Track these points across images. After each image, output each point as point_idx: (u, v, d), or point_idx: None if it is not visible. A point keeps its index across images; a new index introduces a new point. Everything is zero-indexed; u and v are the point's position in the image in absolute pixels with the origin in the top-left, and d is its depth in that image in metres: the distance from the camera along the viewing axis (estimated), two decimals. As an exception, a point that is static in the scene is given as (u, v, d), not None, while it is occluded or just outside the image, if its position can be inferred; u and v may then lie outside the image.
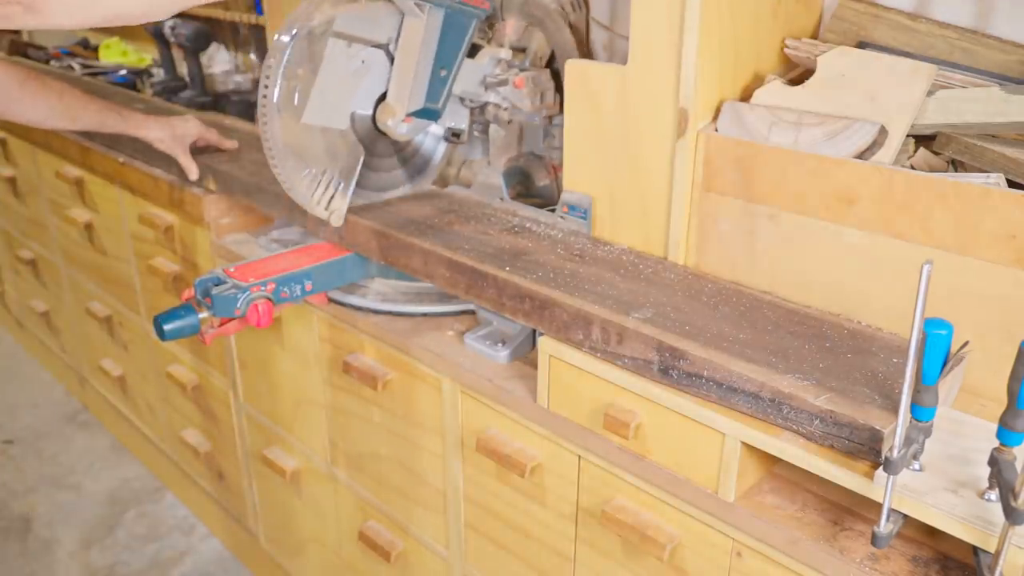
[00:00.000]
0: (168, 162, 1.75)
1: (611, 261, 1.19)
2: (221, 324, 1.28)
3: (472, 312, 1.36)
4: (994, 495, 0.78)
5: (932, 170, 1.07)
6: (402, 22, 1.26)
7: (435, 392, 1.30)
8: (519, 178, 1.50)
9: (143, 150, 1.79)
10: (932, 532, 0.86)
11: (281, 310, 1.38)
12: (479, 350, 1.25)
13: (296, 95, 1.22)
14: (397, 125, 1.30)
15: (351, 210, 1.35)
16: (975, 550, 0.77)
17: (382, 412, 1.43)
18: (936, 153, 1.09)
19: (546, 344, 1.09)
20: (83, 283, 2.45)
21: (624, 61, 1.16)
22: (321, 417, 1.59)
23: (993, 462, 0.76)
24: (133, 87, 2.57)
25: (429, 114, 1.31)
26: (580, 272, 1.15)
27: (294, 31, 1.18)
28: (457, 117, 1.40)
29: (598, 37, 1.62)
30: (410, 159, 1.48)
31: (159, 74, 2.56)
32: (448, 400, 1.28)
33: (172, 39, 2.30)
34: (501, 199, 1.43)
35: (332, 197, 1.30)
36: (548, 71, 1.44)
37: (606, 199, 1.25)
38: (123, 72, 2.65)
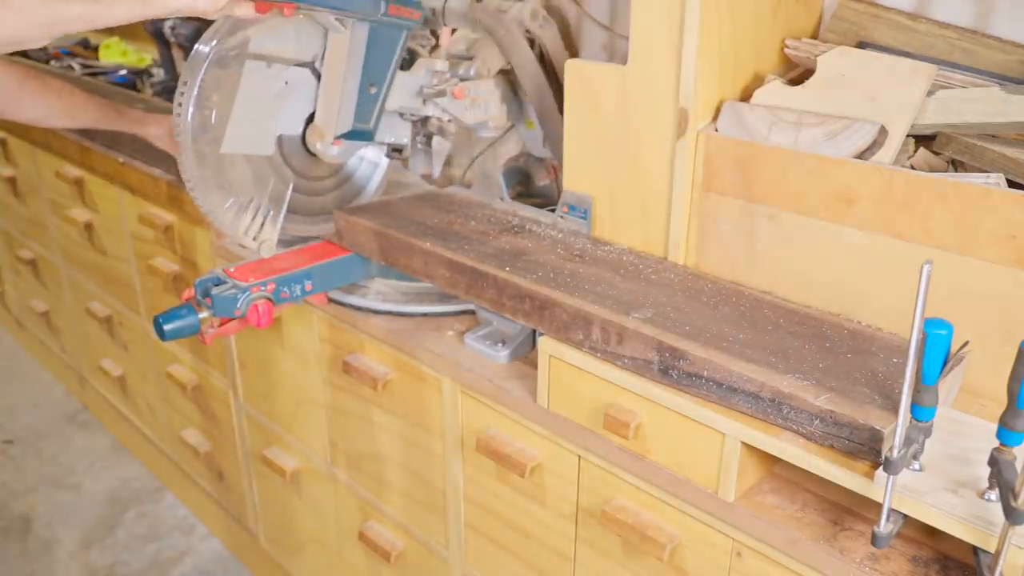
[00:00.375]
0: (168, 162, 1.75)
1: (611, 261, 1.19)
2: (221, 324, 1.28)
3: (472, 312, 1.36)
4: (994, 495, 0.78)
5: (932, 170, 1.07)
6: (326, 38, 1.20)
7: (435, 392, 1.30)
8: (519, 178, 1.50)
9: (143, 150, 1.79)
10: (932, 532, 0.86)
11: (281, 310, 1.38)
12: (479, 350, 1.25)
13: (212, 120, 1.15)
14: (327, 148, 1.25)
15: (350, 210, 1.35)
16: (975, 550, 0.77)
17: (382, 412, 1.43)
18: (936, 153, 1.09)
19: (546, 344, 1.09)
20: (83, 283, 2.45)
21: (624, 61, 1.16)
22: (321, 417, 1.59)
23: (993, 462, 0.76)
24: (133, 87, 2.57)
25: (360, 135, 1.26)
26: (580, 272, 1.15)
27: (206, 53, 1.12)
28: (397, 132, 1.35)
29: (598, 37, 1.62)
30: (345, 182, 1.42)
31: (159, 74, 2.56)
32: (448, 400, 1.28)
33: (172, 39, 2.30)
34: (501, 199, 1.43)
35: (262, 226, 1.25)
36: (491, 81, 1.38)
37: (606, 199, 1.25)
38: (123, 72, 2.65)
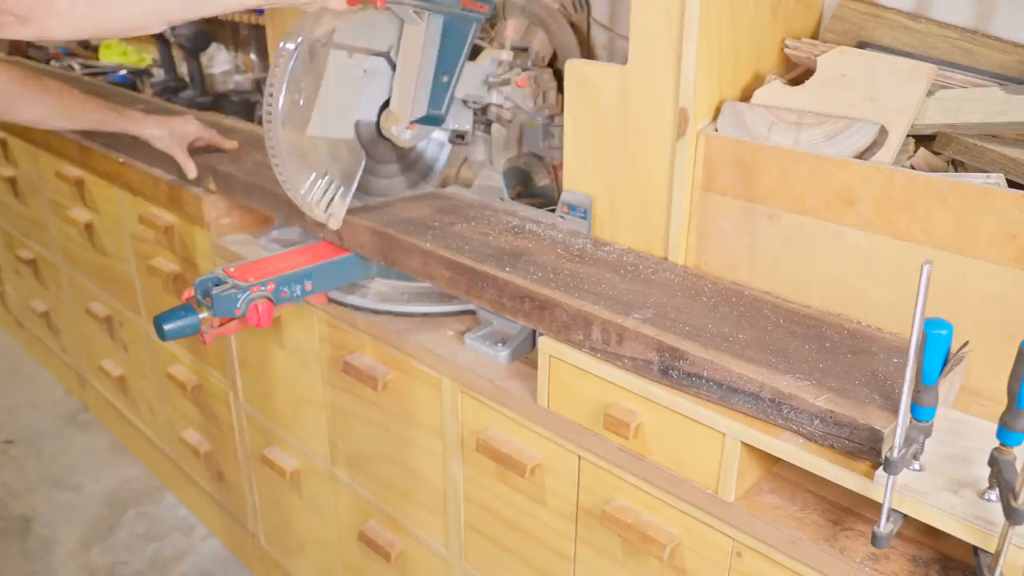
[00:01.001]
0: (168, 162, 1.75)
1: (611, 261, 1.19)
2: (221, 324, 1.28)
3: (472, 312, 1.36)
4: (994, 495, 0.78)
5: (932, 170, 1.07)
6: (402, 29, 1.26)
7: (435, 392, 1.30)
8: (519, 178, 1.50)
9: (143, 150, 1.79)
10: (932, 532, 0.86)
11: (281, 310, 1.38)
12: (479, 350, 1.25)
13: (300, 107, 1.22)
14: (401, 132, 1.31)
15: (350, 211, 1.35)
16: (975, 550, 0.77)
17: (382, 412, 1.43)
18: (936, 153, 1.09)
19: (546, 344, 1.09)
20: (83, 283, 2.45)
21: (624, 61, 1.16)
22: (321, 417, 1.59)
23: (993, 462, 0.76)
24: (133, 87, 2.57)
25: (432, 120, 1.32)
26: (580, 272, 1.15)
27: (298, 40, 1.18)
28: (461, 119, 1.41)
29: (598, 37, 1.62)
30: (414, 164, 1.48)
31: (159, 74, 2.56)
32: (448, 400, 1.28)
33: (172, 39, 2.30)
34: (501, 199, 1.43)
35: (332, 200, 1.31)
36: (550, 70, 1.44)
37: (606, 199, 1.25)
38: (123, 72, 2.65)
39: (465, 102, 1.39)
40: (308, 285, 1.33)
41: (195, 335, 1.27)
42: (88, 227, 2.25)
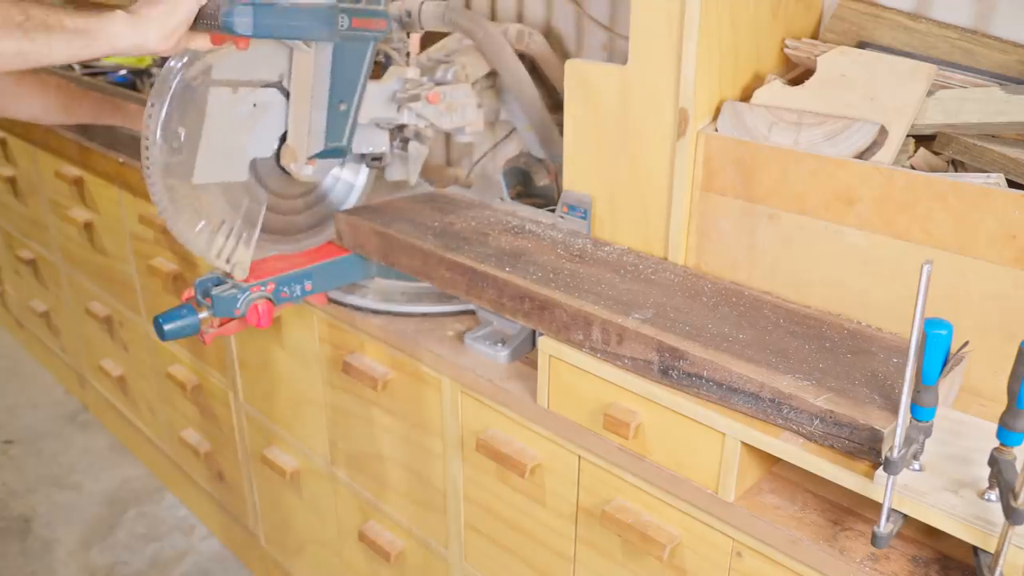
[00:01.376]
0: None
1: (611, 261, 1.19)
2: (221, 324, 1.28)
3: (472, 312, 1.36)
4: (994, 495, 0.78)
5: (932, 170, 1.07)
6: (292, 56, 1.17)
7: (435, 392, 1.30)
8: (519, 178, 1.50)
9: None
10: (932, 532, 0.86)
11: (281, 310, 1.38)
12: (479, 350, 1.25)
13: (182, 155, 1.13)
14: (301, 169, 1.23)
15: (351, 211, 1.35)
16: (975, 550, 0.77)
17: (382, 412, 1.43)
18: (936, 153, 1.09)
19: (546, 344, 1.09)
20: (83, 283, 2.45)
21: (624, 61, 1.16)
22: (321, 417, 1.59)
23: (993, 462, 0.76)
24: (133, 87, 2.57)
25: (334, 153, 1.23)
26: (580, 272, 1.15)
27: (168, 85, 1.09)
28: (374, 141, 1.32)
29: (598, 37, 1.62)
30: (325, 196, 1.40)
31: (159, 74, 2.55)
32: (448, 400, 1.28)
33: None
34: (501, 199, 1.43)
35: (235, 248, 1.23)
36: (467, 86, 1.36)
37: (606, 199, 1.25)
38: (123, 72, 2.65)
39: (378, 124, 1.31)
40: (308, 285, 1.33)
41: (195, 335, 1.27)
42: (88, 227, 2.25)
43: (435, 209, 1.40)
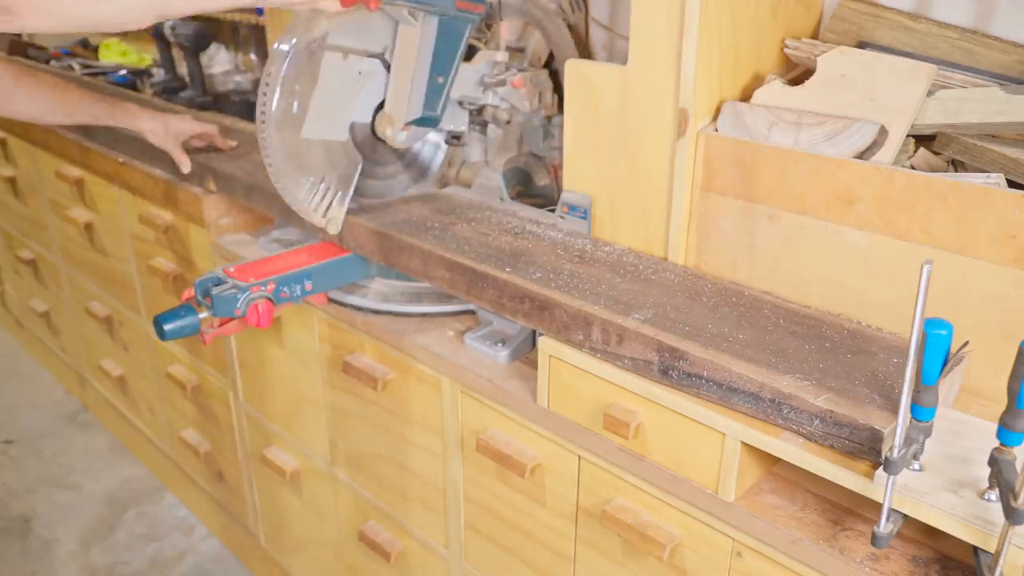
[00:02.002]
0: (165, 159, 1.75)
1: (611, 261, 1.19)
2: (221, 324, 1.28)
3: (472, 312, 1.36)
4: (994, 495, 0.78)
5: (932, 170, 1.07)
6: (396, 31, 1.26)
7: (435, 392, 1.30)
8: (519, 178, 1.50)
9: (143, 150, 1.79)
10: (932, 532, 0.86)
11: (281, 310, 1.38)
12: (479, 350, 1.25)
13: (295, 108, 1.21)
14: (396, 134, 1.30)
15: (351, 211, 1.35)
16: (975, 550, 0.77)
17: (382, 412, 1.43)
18: (936, 153, 1.09)
19: (546, 344, 1.09)
20: (83, 283, 2.45)
21: (624, 61, 1.16)
22: (321, 417, 1.59)
23: (993, 462, 0.76)
24: (133, 87, 2.57)
25: (428, 122, 1.31)
26: (580, 273, 1.15)
27: (292, 42, 1.17)
28: (456, 120, 1.40)
29: (598, 37, 1.62)
30: (410, 165, 1.48)
31: (159, 74, 2.55)
32: (448, 400, 1.28)
33: (172, 39, 2.30)
34: (501, 199, 1.43)
35: (330, 204, 1.30)
36: (546, 71, 1.43)
37: (606, 199, 1.25)
38: (123, 72, 2.65)
39: (461, 103, 1.38)
40: (308, 285, 1.33)
41: (195, 335, 1.27)
42: (88, 227, 2.25)
43: (435, 209, 1.40)
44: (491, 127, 1.47)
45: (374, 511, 1.56)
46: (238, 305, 1.24)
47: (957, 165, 1.07)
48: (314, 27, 1.19)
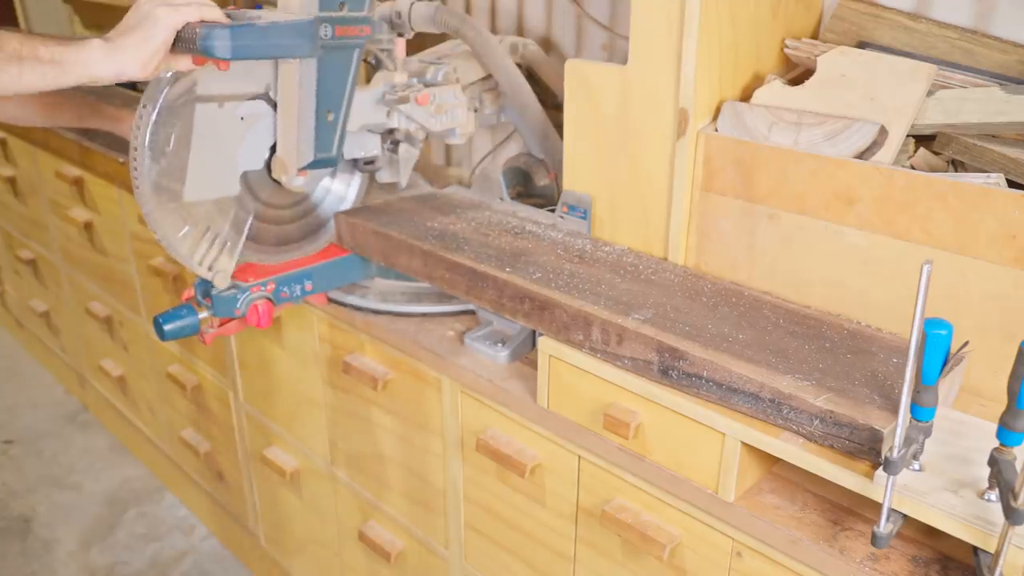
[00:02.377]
0: None
1: (611, 261, 1.19)
2: (221, 324, 1.28)
3: (472, 312, 1.36)
4: (994, 495, 0.78)
5: (932, 170, 1.07)
6: (276, 66, 1.16)
7: (435, 392, 1.30)
8: (519, 178, 1.49)
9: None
10: (932, 532, 0.86)
11: (281, 310, 1.38)
12: (479, 350, 1.25)
13: (172, 175, 1.13)
14: (292, 180, 1.22)
15: (351, 212, 1.35)
16: (975, 550, 0.77)
17: (382, 412, 1.43)
18: (936, 153, 1.09)
19: (546, 344, 1.09)
20: (83, 283, 2.45)
21: (624, 61, 1.16)
22: (321, 417, 1.59)
23: (993, 462, 0.76)
24: (133, 87, 2.57)
25: (324, 163, 1.22)
26: (580, 273, 1.15)
27: (158, 102, 1.08)
28: (366, 146, 1.31)
29: (598, 37, 1.62)
30: (316, 207, 1.38)
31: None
32: (448, 400, 1.28)
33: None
34: (501, 199, 1.43)
35: (218, 256, 1.22)
36: (457, 87, 1.35)
37: (606, 199, 1.25)
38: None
39: (369, 130, 1.30)
40: (308, 285, 1.33)
41: (195, 335, 1.27)
42: (88, 227, 2.25)
43: (435, 209, 1.40)
44: (403, 146, 1.35)
45: (374, 511, 1.56)
46: (238, 305, 1.24)
47: (957, 165, 1.07)
48: (176, 82, 1.09)
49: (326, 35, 1.10)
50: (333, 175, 1.39)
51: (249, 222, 1.25)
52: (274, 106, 1.19)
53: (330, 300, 1.43)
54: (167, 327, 1.24)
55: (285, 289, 1.30)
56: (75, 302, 2.55)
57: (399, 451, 1.43)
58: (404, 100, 1.26)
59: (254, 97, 1.18)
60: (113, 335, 2.38)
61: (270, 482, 1.85)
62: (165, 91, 1.09)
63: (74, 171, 2.20)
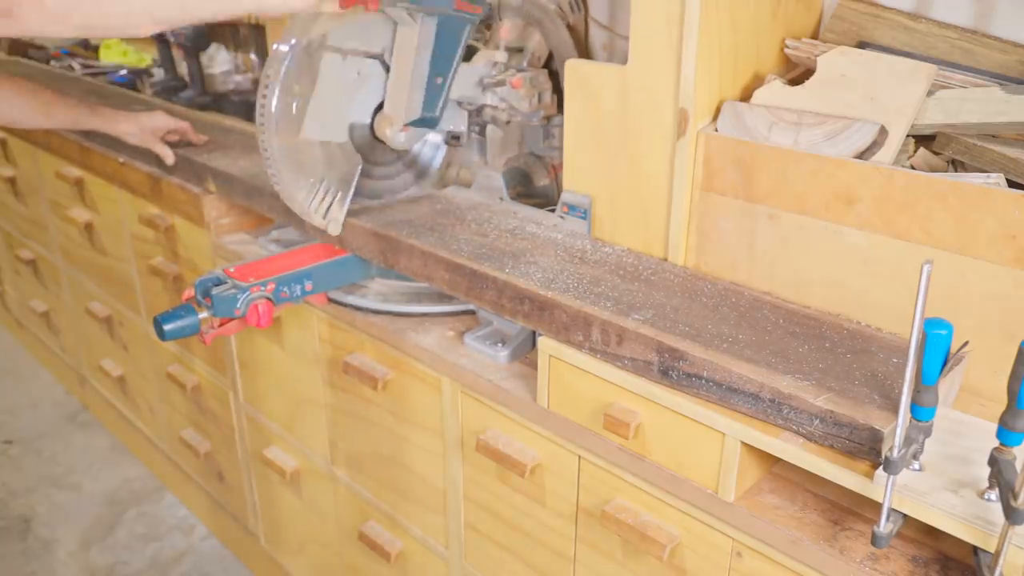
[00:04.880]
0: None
1: (611, 262, 1.19)
2: (221, 324, 1.28)
3: (472, 312, 1.36)
4: (994, 495, 0.78)
5: (932, 170, 1.07)
6: (395, 32, 1.26)
7: (435, 392, 1.30)
8: (519, 178, 1.49)
9: (143, 150, 1.80)
10: (932, 532, 0.86)
11: (281, 310, 1.38)
12: (479, 350, 1.25)
13: (294, 109, 1.22)
14: (395, 135, 1.31)
15: (351, 212, 1.35)
16: (975, 550, 0.77)
17: (382, 412, 1.43)
18: (936, 153, 1.09)
19: (546, 344, 1.09)
20: (83, 283, 2.45)
21: (624, 61, 1.16)
22: (321, 417, 1.59)
23: (993, 462, 0.76)
24: (133, 87, 2.57)
25: (427, 123, 1.32)
26: (580, 273, 1.15)
27: (292, 43, 1.18)
28: (455, 120, 1.40)
29: (598, 37, 1.62)
30: (410, 165, 1.48)
31: (159, 74, 2.56)
32: (448, 400, 1.28)
33: (172, 39, 2.30)
34: (501, 199, 1.43)
35: (330, 206, 1.31)
36: (545, 71, 1.44)
37: (606, 199, 1.25)
38: (123, 72, 2.65)
39: (460, 104, 1.39)
40: (308, 285, 1.33)
41: (195, 335, 1.27)
42: (88, 227, 2.25)
43: (435, 210, 1.40)
44: (490, 127, 1.47)
45: (374, 511, 1.56)
46: (238, 305, 1.24)
47: (957, 165, 1.07)
48: (313, 28, 1.19)
49: (450, 4, 1.22)
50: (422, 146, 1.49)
51: (356, 176, 1.33)
52: (386, 69, 1.30)
53: (330, 300, 1.43)
54: (167, 327, 1.24)
55: (285, 289, 1.30)
56: (75, 302, 2.55)
57: (399, 451, 1.43)
58: (501, 83, 1.37)
59: (371, 56, 1.28)
60: (113, 335, 2.38)
61: (270, 482, 1.85)
62: (298, 36, 1.19)
63: (74, 171, 2.20)
